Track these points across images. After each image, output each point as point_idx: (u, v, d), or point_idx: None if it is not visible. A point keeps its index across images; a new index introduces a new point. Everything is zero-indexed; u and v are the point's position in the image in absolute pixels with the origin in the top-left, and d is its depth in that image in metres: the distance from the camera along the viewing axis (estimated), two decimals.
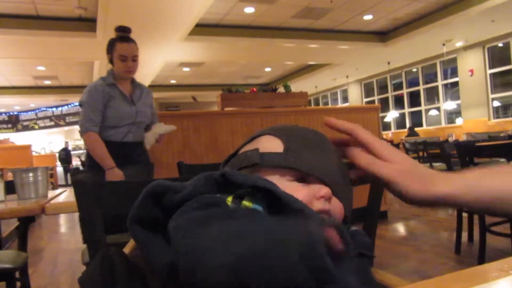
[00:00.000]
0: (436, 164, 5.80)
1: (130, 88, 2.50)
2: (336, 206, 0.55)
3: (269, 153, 0.55)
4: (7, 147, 8.71)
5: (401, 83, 12.97)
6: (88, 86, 2.42)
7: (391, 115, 12.81)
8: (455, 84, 11.07)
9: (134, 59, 2.44)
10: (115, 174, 2.28)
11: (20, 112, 17.19)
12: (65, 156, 14.63)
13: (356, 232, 0.57)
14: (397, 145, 7.84)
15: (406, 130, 11.91)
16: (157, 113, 2.74)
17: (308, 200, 0.51)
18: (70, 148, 15.58)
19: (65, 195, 1.91)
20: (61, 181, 14.06)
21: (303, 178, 0.54)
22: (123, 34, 2.44)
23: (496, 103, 10.10)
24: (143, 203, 0.47)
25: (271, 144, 0.56)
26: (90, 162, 2.37)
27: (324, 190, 0.53)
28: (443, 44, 9.90)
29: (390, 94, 13.41)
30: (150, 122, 2.61)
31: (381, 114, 5.44)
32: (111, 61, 2.44)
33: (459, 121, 11.00)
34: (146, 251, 0.46)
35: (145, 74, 11.14)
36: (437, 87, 11.64)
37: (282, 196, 0.45)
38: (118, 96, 2.41)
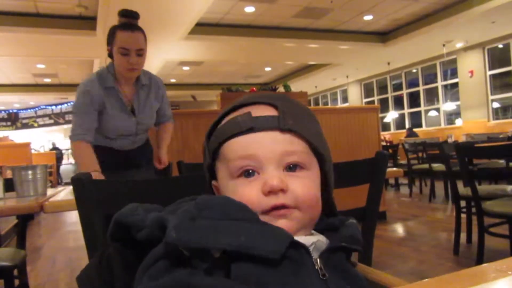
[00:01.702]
0: (435, 165, 5.80)
1: (132, 90, 2.05)
2: (299, 191, 0.51)
3: (264, 116, 0.52)
4: (7, 145, 8.70)
5: (401, 83, 12.97)
6: (81, 86, 1.97)
7: (391, 116, 12.81)
8: (455, 85, 11.07)
9: (140, 53, 1.93)
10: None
11: (20, 110, 17.17)
12: (60, 155, 14.65)
13: (344, 224, 0.56)
14: (396, 146, 7.84)
15: (405, 130, 11.91)
16: (169, 111, 2.30)
17: (255, 199, 0.50)
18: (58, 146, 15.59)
19: (64, 193, 1.90)
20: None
21: (253, 170, 0.52)
22: (127, 20, 1.97)
23: (496, 105, 10.11)
24: (113, 229, 0.52)
25: (264, 109, 0.54)
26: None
27: (270, 183, 0.50)
28: (443, 45, 9.90)
29: (390, 94, 13.41)
30: (157, 122, 2.25)
31: (380, 115, 5.46)
32: (110, 54, 1.97)
33: (458, 122, 11.00)
34: (123, 261, 0.53)
35: None
36: (436, 88, 11.64)
37: (238, 249, 0.43)
38: (115, 105, 1.99)
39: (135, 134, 2.11)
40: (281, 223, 0.50)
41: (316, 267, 0.48)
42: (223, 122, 0.57)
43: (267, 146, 0.52)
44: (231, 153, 0.53)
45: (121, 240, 0.53)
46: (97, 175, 1.83)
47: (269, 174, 0.51)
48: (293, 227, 0.50)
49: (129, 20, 1.97)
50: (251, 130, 0.52)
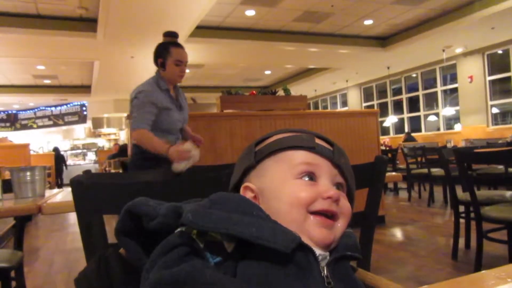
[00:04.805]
0: (434, 170, 5.80)
1: (175, 93, 2.57)
2: (345, 208, 0.57)
3: (323, 146, 0.60)
4: (5, 146, 8.70)
5: (401, 88, 12.99)
6: (143, 86, 2.45)
7: (390, 120, 12.82)
8: (454, 90, 11.09)
9: (186, 64, 2.52)
10: (175, 149, 2.20)
11: (19, 111, 17.15)
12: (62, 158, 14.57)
13: (343, 234, 0.57)
14: (395, 150, 7.84)
15: (403, 135, 11.93)
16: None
17: (313, 199, 0.54)
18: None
19: (62, 195, 1.90)
20: None
21: (313, 176, 0.57)
22: (175, 40, 2.53)
23: (495, 110, 10.12)
24: (123, 219, 0.54)
25: (322, 142, 0.61)
26: (133, 160, 2.50)
27: (332, 191, 0.55)
28: (443, 50, 9.92)
29: (389, 99, 13.43)
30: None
31: (380, 119, 5.46)
32: (162, 64, 2.47)
33: (457, 127, 11.01)
34: (130, 256, 0.54)
35: (145, 75, 11.07)
36: (436, 92, 11.66)
37: (248, 237, 0.46)
38: (171, 103, 2.48)
39: (179, 131, 2.59)
40: (322, 231, 0.53)
41: (322, 274, 0.48)
42: (283, 135, 0.61)
43: (326, 163, 0.58)
44: (297, 158, 0.58)
45: (128, 233, 0.54)
46: (173, 149, 2.21)
47: (327, 185, 0.56)
48: (330, 238, 0.53)
49: (175, 39, 2.53)
50: (312, 149, 0.58)
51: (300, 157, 0.58)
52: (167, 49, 2.46)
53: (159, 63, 2.49)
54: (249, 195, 0.58)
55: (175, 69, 2.46)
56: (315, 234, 0.52)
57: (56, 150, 14.41)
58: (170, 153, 2.21)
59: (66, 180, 13.30)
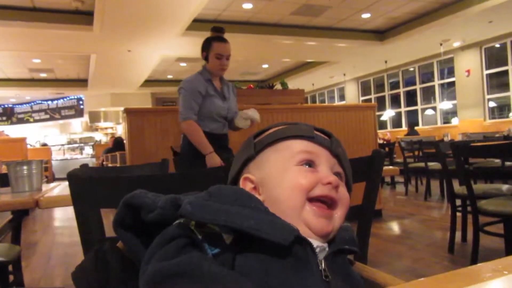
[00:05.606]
0: (431, 164, 5.82)
1: (220, 85, 2.71)
2: (344, 196, 0.57)
3: (322, 136, 0.61)
4: (2, 140, 8.67)
5: (398, 82, 12.99)
6: (188, 77, 2.66)
7: (388, 114, 12.83)
8: (452, 84, 11.10)
9: (228, 58, 2.65)
10: (214, 158, 2.50)
11: (15, 104, 17.06)
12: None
13: (340, 228, 0.57)
14: (392, 144, 7.85)
15: (401, 129, 11.93)
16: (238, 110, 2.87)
17: (313, 184, 0.55)
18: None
19: (59, 189, 1.90)
20: None
21: (313, 164, 0.58)
22: (220, 35, 2.67)
23: (492, 104, 10.14)
24: (121, 211, 0.54)
25: (320, 133, 0.62)
26: (184, 150, 2.63)
27: (332, 177, 0.56)
28: (441, 44, 9.91)
29: (387, 92, 13.43)
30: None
31: (377, 113, 5.46)
32: (206, 58, 2.65)
33: (455, 121, 11.03)
34: (128, 249, 0.54)
35: (142, 68, 11.08)
36: (433, 86, 11.67)
37: (246, 230, 0.46)
38: (214, 91, 2.63)
39: (225, 118, 2.69)
40: (320, 221, 0.54)
41: (320, 267, 0.48)
42: (282, 126, 0.62)
43: (325, 152, 0.60)
44: (296, 146, 0.59)
45: (126, 225, 0.54)
46: (215, 156, 2.49)
47: (327, 172, 0.58)
48: (328, 228, 0.54)
49: (220, 34, 2.66)
50: (311, 138, 0.59)
51: (299, 146, 0.59)
52: (210, 44, 2.62)
53: (203, 56, 2.67)
54: (248, 186, 0.58)
55: (216, 62, 2.61)
56: (313, 224, 0.53)
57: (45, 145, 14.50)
58: (207, 159, 2.49)
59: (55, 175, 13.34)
